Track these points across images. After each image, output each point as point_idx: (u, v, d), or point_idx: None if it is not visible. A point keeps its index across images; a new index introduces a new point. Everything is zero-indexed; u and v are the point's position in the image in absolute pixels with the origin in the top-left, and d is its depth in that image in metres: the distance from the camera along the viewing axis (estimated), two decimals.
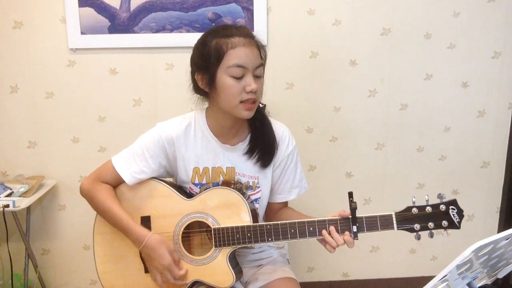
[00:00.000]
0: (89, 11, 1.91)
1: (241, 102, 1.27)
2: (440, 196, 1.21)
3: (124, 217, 1.31)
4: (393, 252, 2.27)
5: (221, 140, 1.37)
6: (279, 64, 2.03)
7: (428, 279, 0.83)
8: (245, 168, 1.39)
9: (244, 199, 1.31)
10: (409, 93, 2.11)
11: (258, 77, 1.30)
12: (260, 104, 1.38)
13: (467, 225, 2.26)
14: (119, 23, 1.94)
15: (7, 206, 1.78)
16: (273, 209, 1.49)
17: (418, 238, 1.22)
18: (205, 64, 1.28)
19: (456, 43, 2.07)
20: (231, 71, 1.25)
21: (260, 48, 1.31)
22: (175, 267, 1.29)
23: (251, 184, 1.40)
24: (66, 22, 1.92)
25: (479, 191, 2.24)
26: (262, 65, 1.31)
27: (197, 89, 1.36)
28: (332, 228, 1.24)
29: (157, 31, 1.95)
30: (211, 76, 1.27)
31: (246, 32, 1.29)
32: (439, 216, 1.20)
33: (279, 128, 1.43)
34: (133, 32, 1.95)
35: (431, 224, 1.21)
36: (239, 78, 1.26)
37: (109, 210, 1.32)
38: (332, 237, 1.23)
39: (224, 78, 1.26)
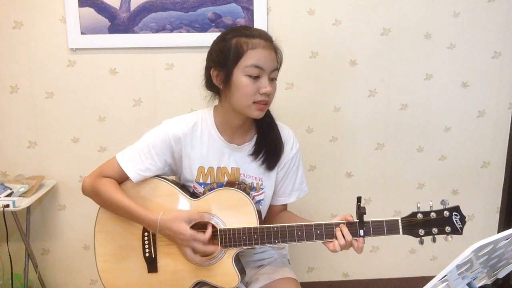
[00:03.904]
0: (89, 11, 1.91)
1: (254, 102, 1.28)
2: (443, 202, 1.23)
3: (133, 206, 1.30)
4: (393, 252, 2.27)
5: (228, 139, 1.37)
6: None
7: (428, 279, 0.83)
8: (250, 169, 1.39)
9: (251, 200, 1.31)
10: (409, 93, 2.11)
11: (273, 80, 1.31)
12: None
13: (467, 225, 2.22)
14: (119, 23, 1.94)
15: (7, 206, 1.78)
16: (272, 212, 1.49)
17: (422, 242, 1.24)
18: (223, 61, 1.28)
19: (456, 43, 2.07)
20: (249, 70, 1.25)
21: (277, 52, 1.32)
22: (199, 233, 1.26)
23: (255, 185, 1.40)
24: (66, 22, 1.92)
25: (479, 191, 2.24)
26: (278, 68, 1.32)
27: (209, 85, 1.36)
28: (342, 225, 1.25)
29: (157, 31, 1.95)
30: (227, 73, 1.28)
31: (266, 35, 1.30)
32: (442, 222, 1.23)
33: (284, 130, 1.43)
34: (133, 32, 1.95)
35: (435, 230, 1.23)
36: (255, 79, 1.26)
37: (116, 201, 1.31)
38: (342, 233, 1.24)
39: (240, 77, 1.26)
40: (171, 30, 1.95)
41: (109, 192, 1.32)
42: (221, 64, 1.29)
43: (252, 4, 1.95)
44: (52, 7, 1.91)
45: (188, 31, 1.95)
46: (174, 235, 1.28)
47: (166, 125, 1.37)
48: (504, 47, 2.09)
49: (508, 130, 2.18)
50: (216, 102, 1.40)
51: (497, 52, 2.09)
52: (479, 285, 0.95)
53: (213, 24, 1.95)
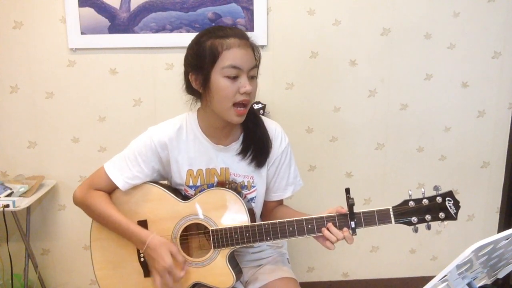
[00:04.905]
0: (89, 11, 1.91)
1: (234, 104, 1.26)
2: (436, 188, 1.21)
3: (123, 221, 1.30)
4: (393, 252, 2.27)
5: (214, 141, 1.37)
6: (279, 64, 2.03)
7: (428, 279, 0.83)
8: (240, 168, 1.38)
9: (241, 199, 1.31)
10: (409, 93, 2.11)
11: (252, 78, 1.29)
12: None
13: (467, 225, 2.26)
14: (119, 23, 1.94)
15: (7, 206, 1.78)
16: (269, 208, 1.49)
17: (416, 231, 1.23)
18: (200, 65, 1.27)
19: (456, 43, 2.07)
20: (226, 71, 1.24)
21: (254, 49, 1.30)
22: (176, 269, 1.27)
23: (246, 183, 1.39)
24: (66, 22, 1.92)
25: (479, 191, 2.24)
26: (256, 66, 1.31)
27: (190, 89, 1.35)
28: (330, 224, 1.24)
29: (157, 31, 1.95)
30: (205, 77, 1.27)
31: (241, 33, 1.28)
32: (436, 208, 1.21)
33: (271, 126, 1.42)
34: (133, 32, 1.95)
35: (428, 217, 1.21)
36: (233, 79, 1.25)
37: (107, 216, 1.32)
38: (331, 232, 1.23)
39: (218, 79, 1.25)
40: (171, 30, 1.95)
41: (100, 207, 1.32)
42: (198, 68, 1.28)
43: (252, 4, 1.95)
44: (52, 7, 1.91)
45: (188, 31, 1.95)
46: (156, 257, 1.27)
47: (151, 131, 1.36)
48: (504, 47, 2.09)
49: (508, 130, 2.18)
50: (199, 105, 1.39)
51: (497, 52, 2.09)
52: (479, 285, 0.95)
53: (213, 24, 1.95)
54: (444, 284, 0.83)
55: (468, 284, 0.89)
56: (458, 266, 0.80)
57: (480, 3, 2.04)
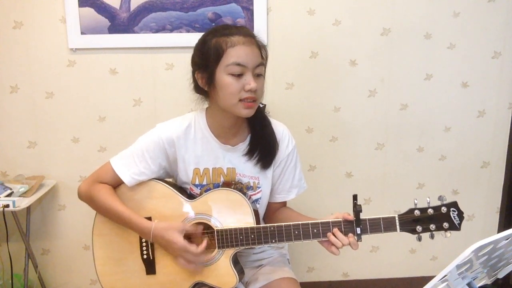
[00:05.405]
0: (89, 11, 1.91)
1: (240, 100, 1.26)
2: (441, 198, 1.22)
3: (126, 212, 1.31)
4: (393, 252, 2.27)
5: (221, 140, 1.37)
6: (279, 64, 2.03)
7: (428, 279, 0.83)
8: (246, 168, 1.39)
9: (247, 200, 1.31)
10: (409, 93, 2.11)
11: (259, 76, 1.29)
12: (260, 104, 1.37)
13: (467, 225, 2.26)
14: (119, 23, 1.94)
15: (7, 206, 1.78)
16: (271, 209, 1.49)
17: (419, 239, 1.24)
18: (205, 63, 1.28)
19: (456, 43, 2.07)
20: (230, 69, 1.24)
21: (261, 48, 1.31)
22: (191, 246, 1.26)
23: (251, 184, 1.40)
24: (66, 22, 1.92)
25: (479, 191, 2.24)
26: (263, 64, 1.31)
27: (197, 88, 1.36)
28: (336, 229, 1.25)
29: (157, 31, 1.95)
30: (210, 75, 1.27)
31: (246, 32, 1.29)
32: (440, 218, 1.22)
33: (279, 128, 1.43)
34: (133, 32, 1.95)
35: (432, 226, 1.22)
36: (238, 77, 1.25)
37: (111, 208, 1.32)
38: (337, 238, 1.24)
39: (223, 76, 1.25)
40: (171, 30, 1.95)
41: (104, 199, 1.33)
42: (203, 67, 1.29)
43: (252, 4, 1.95)
44: (52, 7, 1.91)
45: (188, 31, 1.95)
46: (166, 244, 1.28)
47: (160, 128, 1.36)
48: (504, 47, 2.09)
49: (508, 130, 2.18)
50: (207, 104, 1.39)
51: (497, 52, 2.09)
52: (479, 285, 0.95)
53: (213, 24, 1.95)
54: (444, 284, 0.83)
55: (468, 284, 0.89)
56: (458, 266, 0.80)
57: (480, 3, 2.04)
